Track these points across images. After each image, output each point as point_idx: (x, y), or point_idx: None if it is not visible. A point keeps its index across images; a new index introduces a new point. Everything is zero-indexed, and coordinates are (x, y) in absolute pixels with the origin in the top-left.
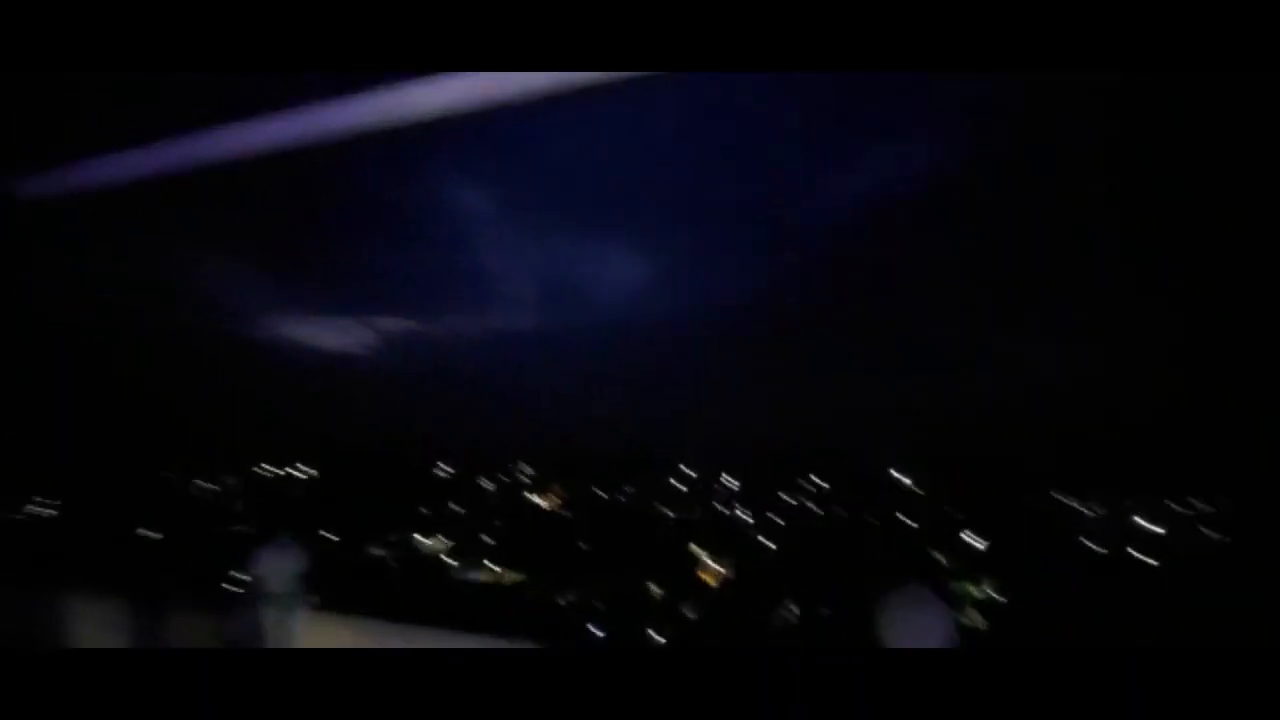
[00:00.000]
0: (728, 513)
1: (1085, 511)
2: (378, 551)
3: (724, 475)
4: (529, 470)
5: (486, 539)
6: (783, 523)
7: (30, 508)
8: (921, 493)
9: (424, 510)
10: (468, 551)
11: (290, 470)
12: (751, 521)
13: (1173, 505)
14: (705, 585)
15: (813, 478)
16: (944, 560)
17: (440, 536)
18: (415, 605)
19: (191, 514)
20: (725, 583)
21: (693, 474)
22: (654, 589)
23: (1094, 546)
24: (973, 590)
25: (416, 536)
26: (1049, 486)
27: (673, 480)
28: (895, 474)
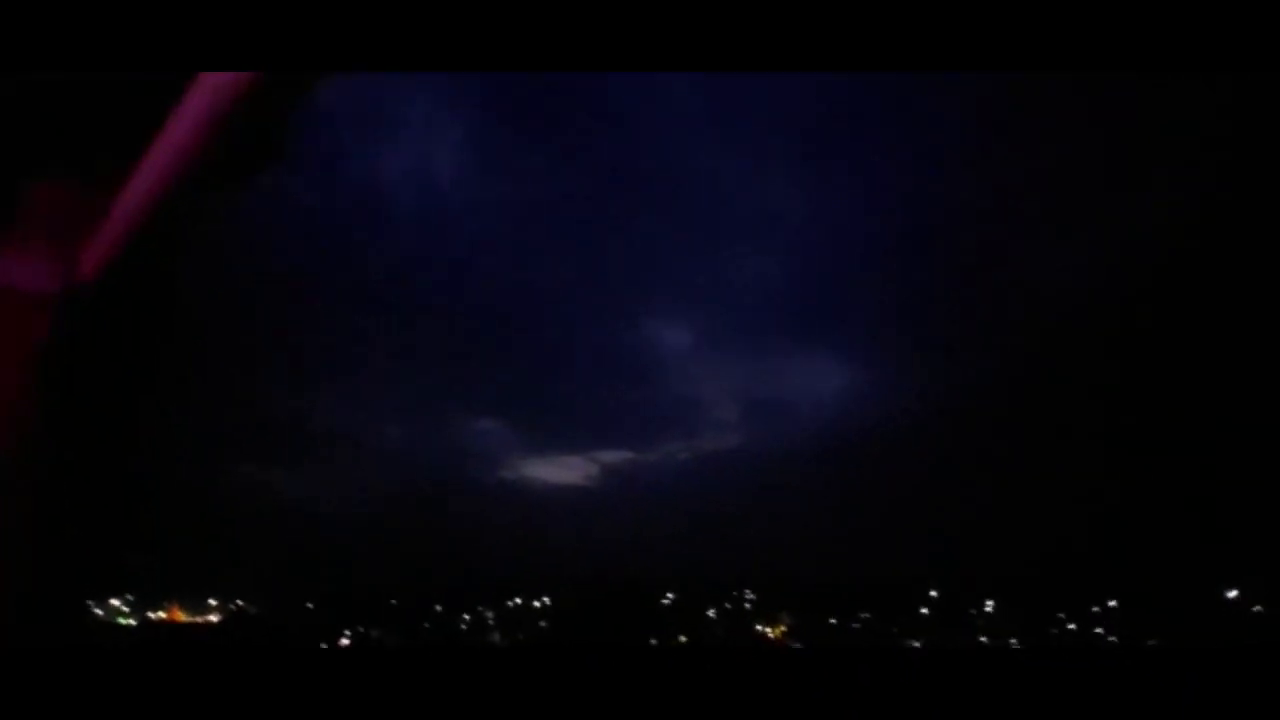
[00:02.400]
0: (991, 643)
1: None
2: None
3: (986, 602)
4: (752, 597)
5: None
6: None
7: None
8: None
9: (654, 643)
10: None
11: (533, 602)
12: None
13: None
14: None
15: (1109, 603)
16: None
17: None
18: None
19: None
20: None
21: (940, 596)
22: None
23: None
24: None
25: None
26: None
27: (922, 609)
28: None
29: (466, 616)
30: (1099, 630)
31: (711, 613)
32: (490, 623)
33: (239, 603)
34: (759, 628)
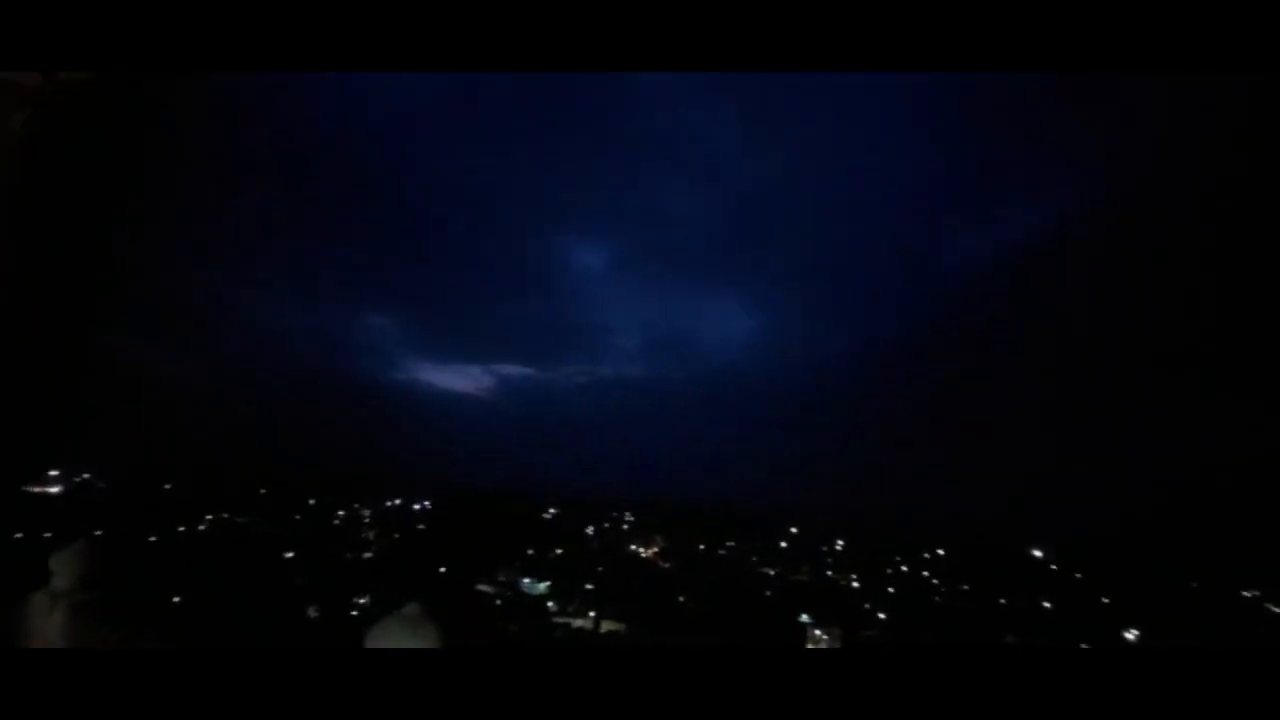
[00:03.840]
0: (838, 579)
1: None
2: (486, 588)
3: (837, 540)
4: (631, 518)
5: (588, 586)
6: (892, 590)
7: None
8: (1064, 575)
9: (531, 552)
10: (569, 597)
11: (413, 505)
12: (859, 588)
13: None
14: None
15: (938, 551)
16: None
17: (547, 582)
18: (516, 645)
19: (326, 540)
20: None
21: (801, 533)
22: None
23: None
24: None
25: (525, 580)
26: (1228, 578)
27: (781, 542)
28: (1035, 553)
29: (341, 513)
30: (925, 574)
31: (590, 530)
32: (366, 520)
33: (85, 475)
34: (633, 547)
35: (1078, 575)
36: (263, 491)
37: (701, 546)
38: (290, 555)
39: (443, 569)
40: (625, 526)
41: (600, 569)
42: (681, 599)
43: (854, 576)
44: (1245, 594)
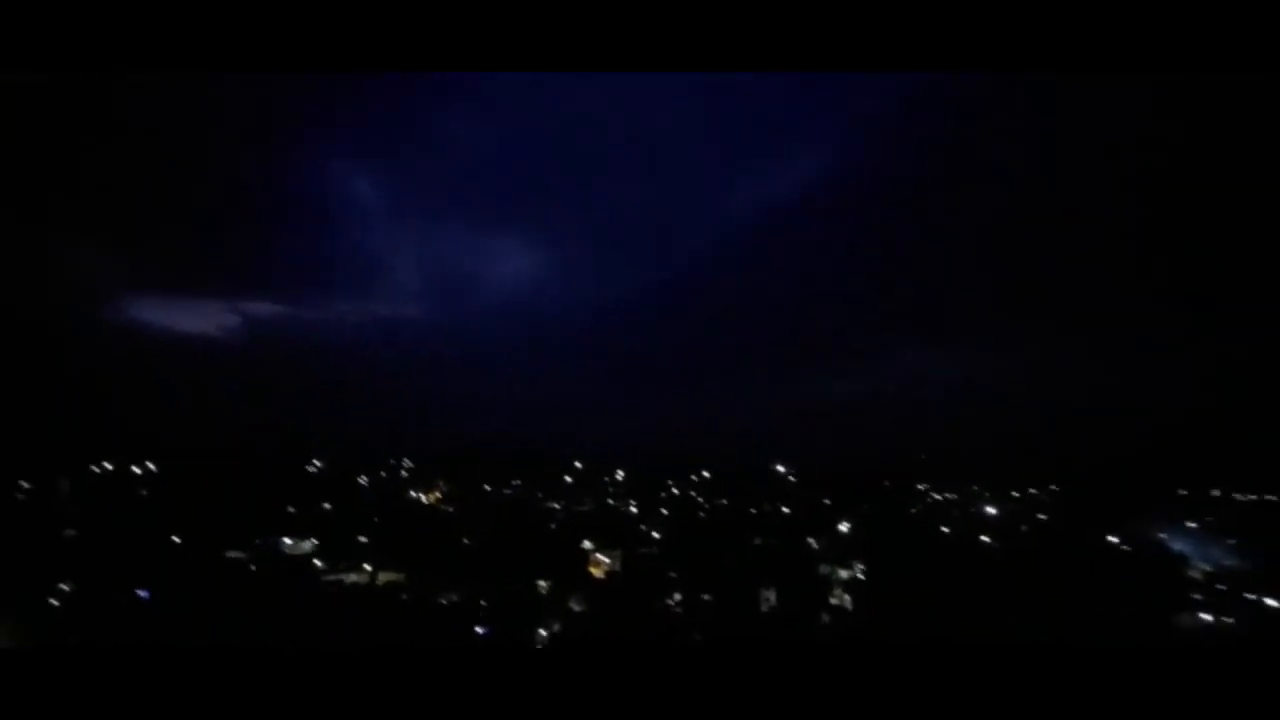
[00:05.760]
0: (618, 506)
1: (940, 498)
2: (236, 554)
3: (617, 470)
4: (410, 465)
5: (362, 539)
6: (665, 511)
7: None
8: (800, 485)
9: (292, 510)
10: (340, 553)
11: (135, 467)
12: (637, 513)
13: (1013, 493)
14: (593, 579)
15: (704, 473)
16: (816, 545)
17: (312, 539)
18: (278, 610)
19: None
20: (612, 575)
21: (584, 467)
22: (541, 584)
23: (946, 529)
24: (841, 573)
25: (285, 540)
26: (915, 478)
27: (566, 476)
28: (779, 468)
29: (25, 484)
30: (693, 494)
31: (364, 480)
32: (65, 492)
33: None
34: (413, 494)
35: (809, 484)
36: None
37: (487, 488)
38: None
39: (176, 539)
40: (404, 474)
41: (376, 520)
42: (466, 541)
43: (633, 502)
44: (920, 486)
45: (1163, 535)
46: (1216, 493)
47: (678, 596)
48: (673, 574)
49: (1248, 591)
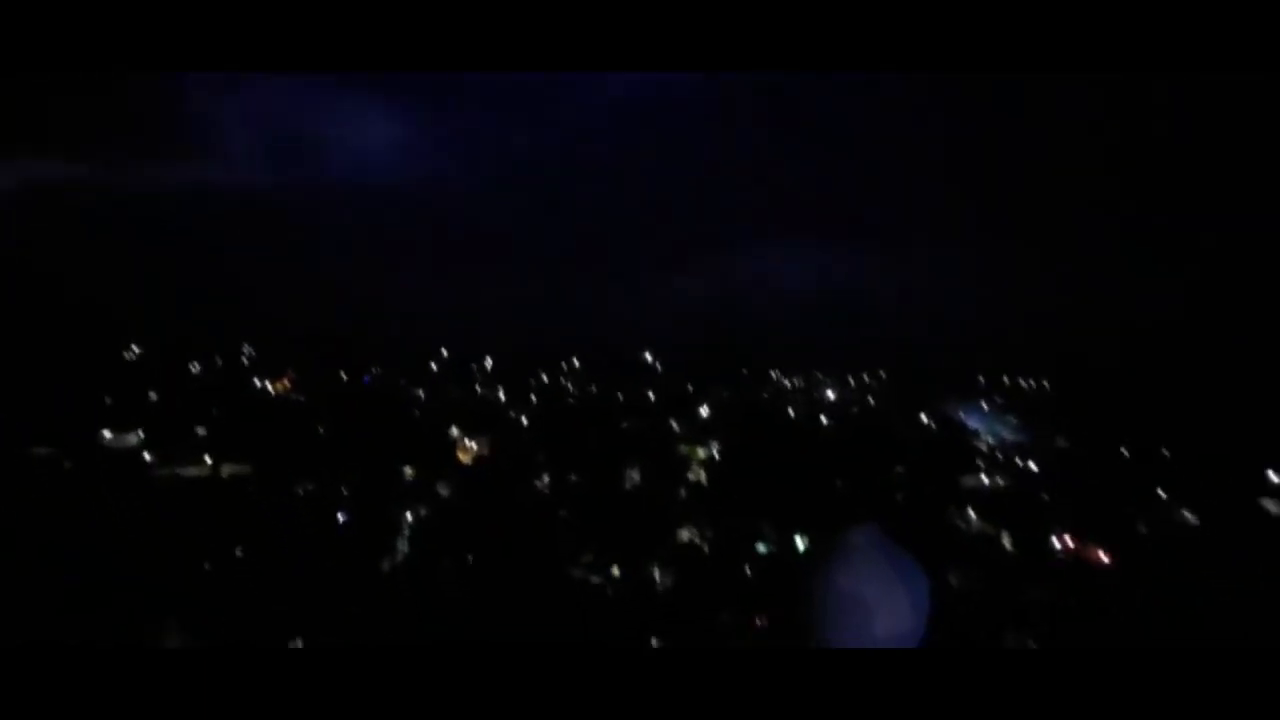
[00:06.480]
0: (487, 394)
1: (789, 384)
2: (43, 452)
3: (486, 359)
4: (251, 352)
5: (200, 430)
6: (535, 399)
7: None
8: (665, 372)
9: (109, 401)
10: (173, 446)
11: None
12: (505, 401)
13: (849, 379)
14: (461, 464)
15: (574, 361)
16: (677, 427)
17: (138, 432)
18: (102, 509)
19: None
20: (480, 460)
21: (451, 356)
22: (407, 470)
23: (792, 413)
24: (699, 451)
25: (105, 433)
26: (767, 366)
27: (431, 364)
28: (647, 356)
29: None
30: (562, 381)
31: (195, 367)
32: None
33: None
34: (257, 382)
35: (673, 371)
36: None
37: (344, 376)
38: None
39: None
40: (245, 361)
41: (214, 411)
42: (321, 430)
43: (500, 389)
44: (772, 373)
45: (962, 414)
46: (1006, 380)
47: (546, 479)
48: (541, 457)
49: (1019, 459)
